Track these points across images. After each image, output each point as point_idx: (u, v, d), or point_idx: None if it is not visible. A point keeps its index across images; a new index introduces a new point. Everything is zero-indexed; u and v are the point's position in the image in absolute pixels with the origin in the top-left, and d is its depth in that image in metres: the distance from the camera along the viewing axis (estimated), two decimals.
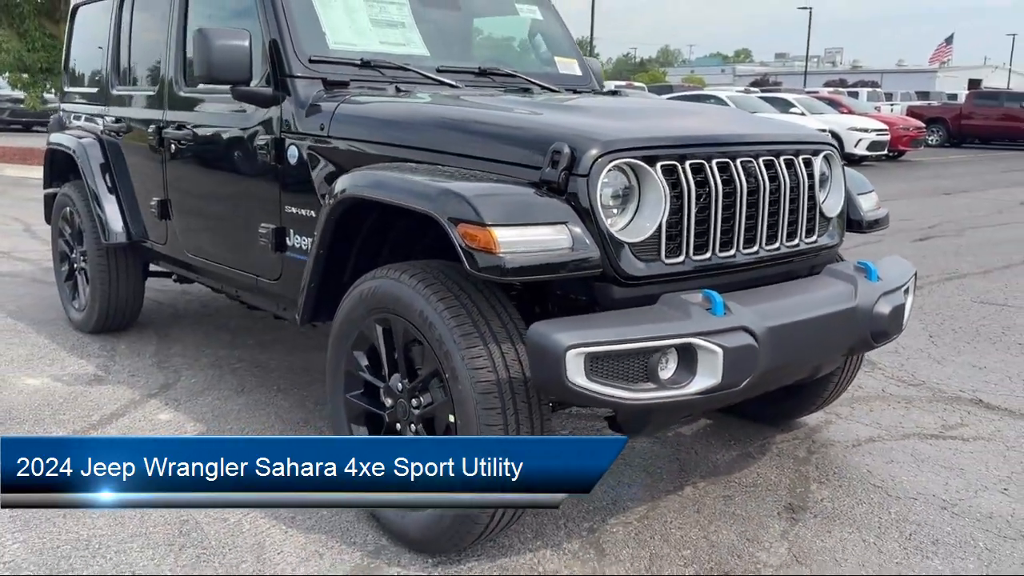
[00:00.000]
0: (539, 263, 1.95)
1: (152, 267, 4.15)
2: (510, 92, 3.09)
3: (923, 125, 21.64)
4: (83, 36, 4.44)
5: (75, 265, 4.29)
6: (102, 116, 4.01)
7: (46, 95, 13.79)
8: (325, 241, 2.46)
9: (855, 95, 30.24)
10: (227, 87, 2.86)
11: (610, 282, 2.09)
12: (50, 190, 4.54)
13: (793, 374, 2.45)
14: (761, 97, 19.92)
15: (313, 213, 2.74)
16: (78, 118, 4.31)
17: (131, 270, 4.08)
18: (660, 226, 2.12)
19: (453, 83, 3.02)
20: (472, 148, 2.28)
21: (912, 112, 26.15)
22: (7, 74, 12.61)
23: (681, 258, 2.18)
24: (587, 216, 2.04)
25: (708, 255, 2.24)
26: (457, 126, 2.39)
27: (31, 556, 2.21)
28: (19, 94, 22.13)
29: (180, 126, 3.35)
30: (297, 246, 2.84)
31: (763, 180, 2.33)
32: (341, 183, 2.37)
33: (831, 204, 2.60)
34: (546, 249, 1.96)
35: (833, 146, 2.64)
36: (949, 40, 59.04)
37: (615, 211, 2.10)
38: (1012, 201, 11.01)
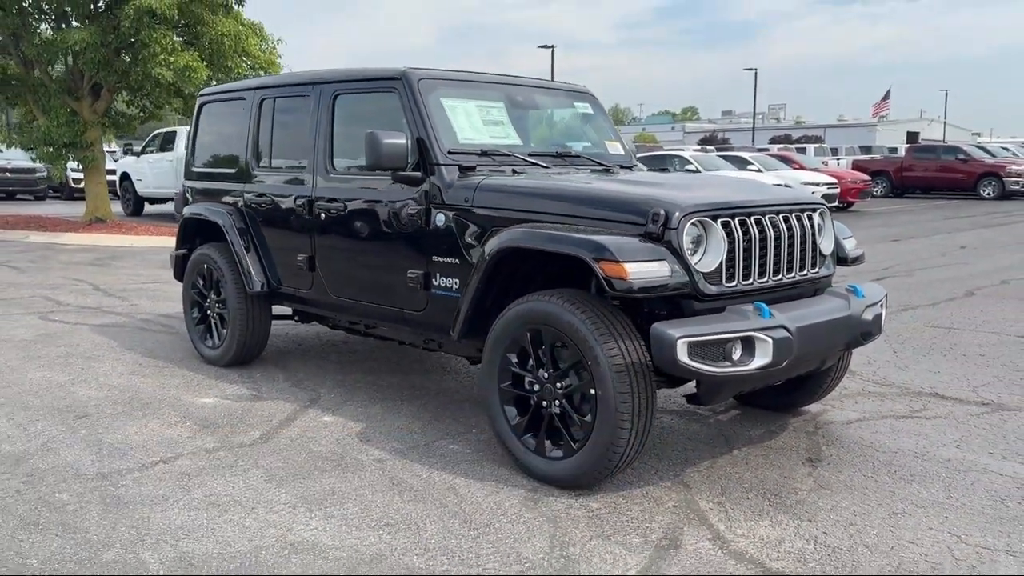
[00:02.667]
0: (652, 285, 3.03)
1: (275, 311, 5.15)
2: (592, 171, 4.21)
3: (869, 178, 23.50)
4: (209, 126, 5.47)
5: (208, 311, 5.24)
6: (241, 192, 5.01)
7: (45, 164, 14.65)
8: (484, 279, 3.51)
9: (803, 151, 32.38)
10: (375, 170, 3.93)
11: (692, 299, 3.18)
12: (180, 251, 5.50)
13: (811, 362, 3.54)
14: (721, 156, 21.58)
15: (456, 261, 3.80)
16: (209, 193, 5.31)
17: (263, 313, 5.06)
18: (721, 261, 3.23)
19: (544, 164, 4.13)
20: (589, 212, 3.36)
21: (857, 166, 28.18)
22: (34, 148, 13.43)
23: (735, 283, 3.28)
24: (676, 255, 3.13)
25: (751, 280, 3.34)
26: (575, 197, 3.48)
27: None
28: (12, 162, 22.88)
29: (331, 199, 4.39)
30: (441, 285, 3.88)
31: (783, 230, 3.46)
32: (501, 237, 3.43)
33: (826, 245, 3.75)
34: (655, 276, 3.04)
35: (825, 205, 3.80)
36: (886, 96, 62.59)
37: (692, 251, 3.19)
38: (953, 245, 12.45)
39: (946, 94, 66.99)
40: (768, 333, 3.06)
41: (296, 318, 5.22)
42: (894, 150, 39.62)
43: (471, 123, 4.16)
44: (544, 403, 3.33)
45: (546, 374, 3.31)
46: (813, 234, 3.65)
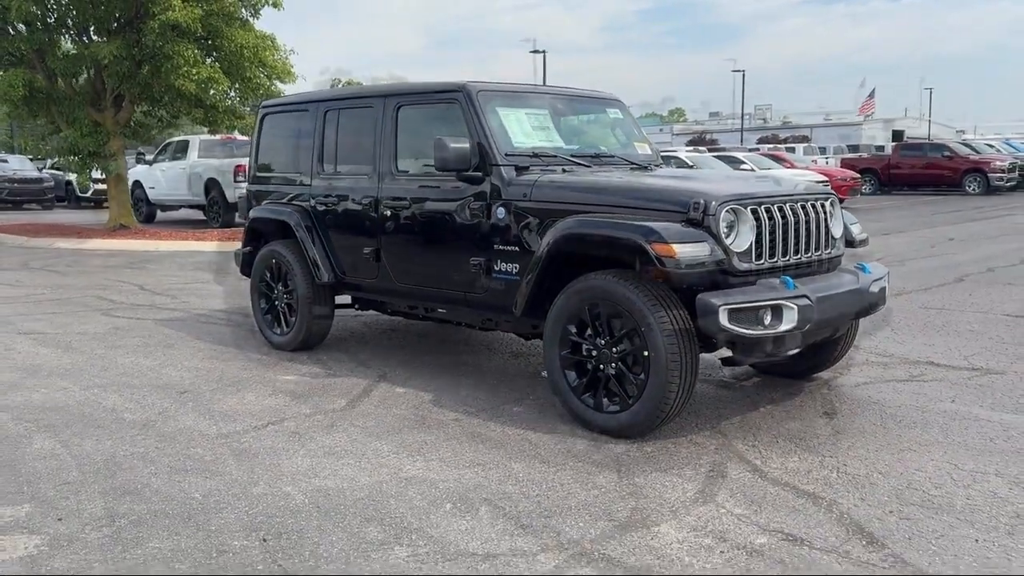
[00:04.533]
0: (696, 263, 3.62)
1: (337, 300, 5.72)
2: (631, 169, 4.80)
3: (858, 175, 24.27)
4: (273, 135, 6.03)
5: (276, 302, 5.80)
6: (307, 194, 5.57)
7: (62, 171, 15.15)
8: (545, 263, 4.09)
9: (792, 150, 33.19)
10: (443, 171, 4.52)
11: (728, 275, 3.77)
12: (246, 249, 6.06)
13: (827, 329, 4.14)
14: (716, 156, 22.28)
15: (516, 248, 4.38)
16: (275, 196, 5.86)
17: (328, 302, 5.62)
18: (751, 243, 3.82)
19: (586, 164, 4.72)
20: (635, 203, 3.95)
21: (845, 164, 28.95)
22: (59, 158, 13.92)
23: (762, 260, 3.87)
24: (715, 237, 3.72)
25: (775, 259, 3.93)
26: (624, 191, 4.06)
27: None
28: (19, 172, 23.31)
29: (396, 198, 4.97)
30: (502, 270, 4.45)
31: (801, 216, 4.06)
32: (562, 226, 4.01)
33: (836, 230, 4.35)
34: (698, 255, 3.63)
35: (835, 195, 4.40)
36: (871, 94, 63.48)
37: (726, 234, 3.78)
38: (941, 237, 13.12)
39: (930, 93, 68.05)
40: (793, 301, 3.65)
41: (357, 306, 5.79)
42: (881, 148, 40.56)
43: (522, 129, 4.74)
44: (601, 366, 3.92)
45: (603, 341, 3.89)
46: (825, 220, 4.25)
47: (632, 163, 5.05)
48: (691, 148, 34.19)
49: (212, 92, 12.97)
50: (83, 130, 13.56)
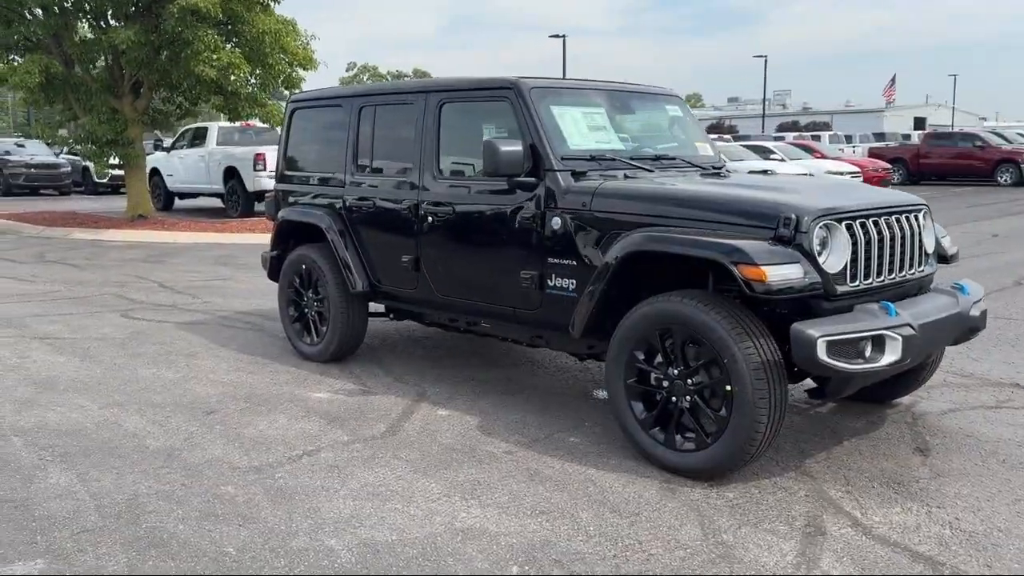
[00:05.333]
0: (789, 287, 3.21)
1: (370, 308, 5.35)
2: (702, 174, 4.38)
3: (889, 166, 23.64)
4: (302, 131, 5.65)
5: (305, 309, 5.43)
6: (340, 195, 5.19)
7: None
8: (610, 280, 3.68)
9: (817, 139, 32.52)
10: (493, 176, 4.12)
11: (822, 299, 3.35)
12: (274, 252, 5.69)
13: (925, 356, 3.72)
14: (744, 145, 21.70)
15: (572, 262, 3.98)
16: (304, 197, 5.48)
17: (361, 311, 5.25)
18: (846, 263, 3.40)
19: (647, 168, 4.30)
20: (713, 216, 3.53)
21: (873, 153, 28.28)
22: (78, 145, 13.63)
23: (857, 282, 3.46)
24: (808, 256, 3.30)
25: (870, 280, 3.52)
26: (701, 201, 3.64)
27: None
28: (36, 157, 23.13)
29: (438, 203, 4.57)
30: (557, 285, 4.06)
31: (896, 231, 3.64)
32: (630, 240, 3.61)
33: (929, 244, 3.92)
34: (791, 278, 3.22)
35: (927, 206, 3.97)
36: (892, 81, 62.38)
37: (820, 253, 3.36)
38: (984, 234, 12.60)
39: (955, 79, 66.62)
40: (897, 331, 3.24)
41: (391, 316, 5.41)
42: (907, 137, 39.71)
43: (578, 129, 4.33)
44: (673, 398, 3.52)
45: (676, 371, 3.50)
46: (919, 234, 3.82)
47: (695, 166, 4.62)
48: (715, 137, 33.59)
49: (233, 78, 12.58)
50: (100, 117, 13.25)
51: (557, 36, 40.85)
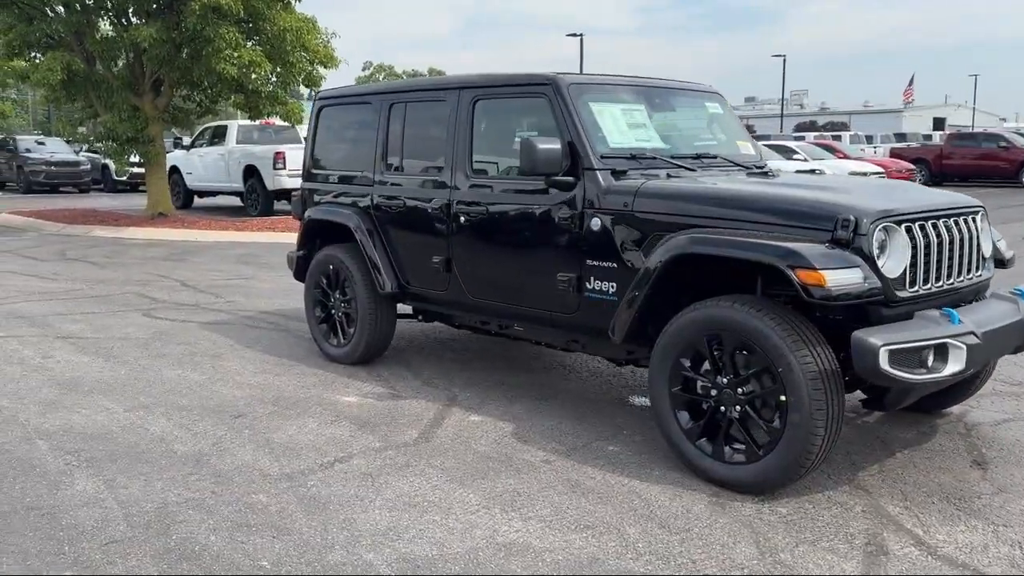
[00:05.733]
0: (848, 292, 3.06)
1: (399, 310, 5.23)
2: (749, 174, 4.23)
3: (913, 167, 23.28)
4: (330, 129, 5.53)
5: (332, 310, 5.32)
6: (369, 194, 5.07)
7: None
8: (655, 284, 3.54)
9: (838, 139, 32.14)
10: (530, 176, 3.98)
11: (881, 304, 3.20)
12: (300, 252, 5.58)
13: (985, 364, 3.55)
14: (767, 145, 21.42)
15: (613, 264, 3.84)
16: (332, 195, 5.36)
17: (390, 313, 5.13)
18: (905, 267, 3.24)
19: (690, 167, 4.15)
20: (766, 217, 3.38)
21: (895, 154, 27.88)
22: (99, 143, 13.63)
23: (916, 288, 3.30)
24: (867, 260, 3.14)
25: (929, 285, 3.35)
26: (753, 202, 3.49)
27: None
28: (56, 155, 23.23)
29: (471, 202, 4.44)
30: (596, 288, 3.91)
31: (955, 234, 3.47)
32: (676, 242, 3.46)
33: (986, 248, 3.75)
34: (851, 283, 3.07)
35: (983, 207, 3.79)
36: (910, 81, 61.64)
37: (879, 257, 3.20)
38: (1015, 236, 12.29)
39: (975, 79, 65.79)
40: (960, 339, 3.07)
41: (419, 317, 5.29)
42: (928, 137, 39.20)
43: (618, 127, 4.18)
44: (722, 408, 3.37)
45: (725, 379, 3.35)
46: (977, 236, 3.66)
47: (738, 165, 4.47)
48: None
49: (254, 77, 12.50)
50: (121, 115, 13.21)
51: (574, 35, 40.70)
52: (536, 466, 3.60)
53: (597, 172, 3.91)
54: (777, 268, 3.12)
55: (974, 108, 66.82)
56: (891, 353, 2.97)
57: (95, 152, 23.79)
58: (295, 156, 15.55)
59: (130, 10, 13.37)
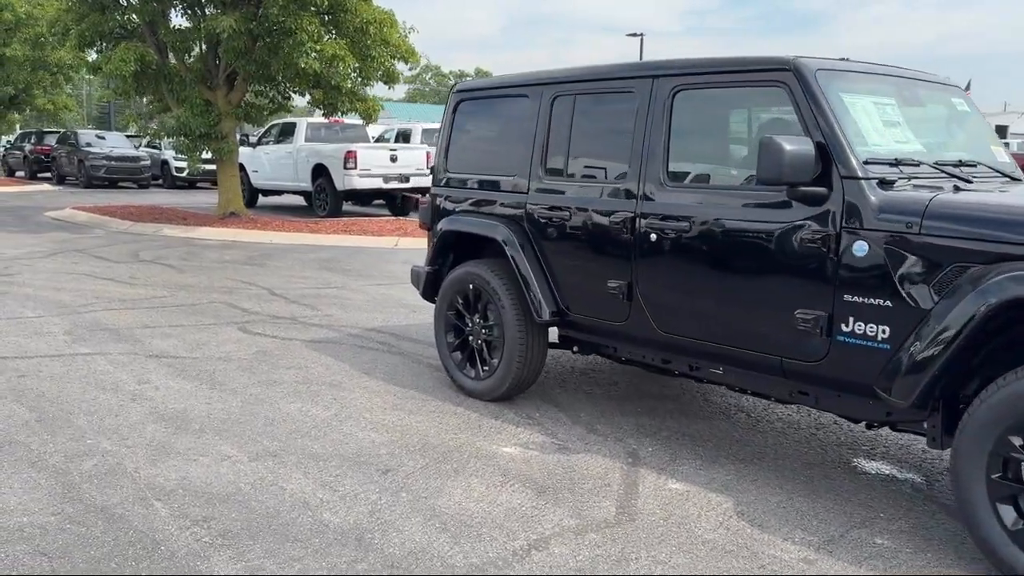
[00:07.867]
0: None
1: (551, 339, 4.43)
2: None
3: None
4: (471, 126, 4.76)
5: (470, 337, 4.53)
6: (523, 203, 4.27)
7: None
8: (971, 334, 2.68)
9: None
10: (772, 185, 3.14)
11: None
12: (431, 268, 4.81)
13: None
14: None
15: (886, 302, 2.97)
16: (472, 204, 4.59)
17: (543, 343, 4.34)
18: None
19: (964, 177, 3.27)
20: None
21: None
22: (170, 139, 13.14)
23: None
24: None
25: None
26: None
27: None
28: (116, 150, 23.03)
29: (667, 216, 3.61)
30: (856, 332, 3.05)
31: None
32: (1008, 280, 2.59)
33: None
34: None
35: None
36: (967, 87, 59.44)
37: None
38: None
39: None
40: None
41: (574, 348, 4.47)
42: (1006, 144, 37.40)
43: (874, 125, 3.33)
44: None
45: None
46: None
47: (1003, 174, 3.59)
48: None
49: (337, 71, 11.84)
50: (194, 109, 12.66)
51: (634, 35, 39.75)
52: (792, 566, 2.76)
53: (862, 182, 3.06)
54: None
55: None
56: None
57: (154, 147, 23.53)
58: (367, 156, 14.97)
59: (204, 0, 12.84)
